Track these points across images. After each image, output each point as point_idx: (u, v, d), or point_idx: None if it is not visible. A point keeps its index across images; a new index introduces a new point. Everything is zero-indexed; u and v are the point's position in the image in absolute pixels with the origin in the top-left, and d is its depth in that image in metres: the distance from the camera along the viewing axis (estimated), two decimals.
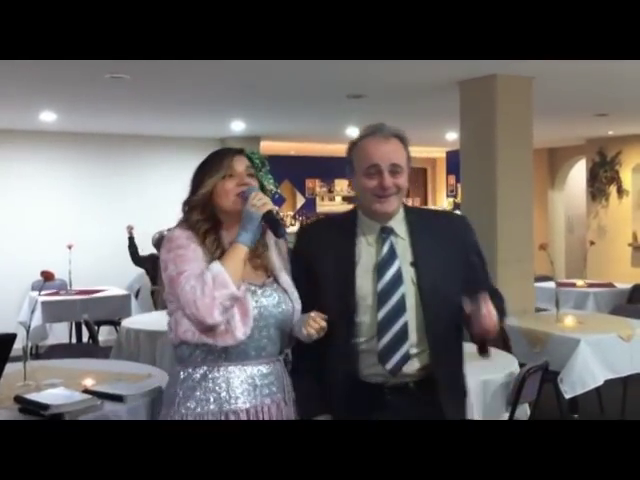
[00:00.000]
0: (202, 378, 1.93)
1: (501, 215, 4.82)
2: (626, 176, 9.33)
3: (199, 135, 8.21)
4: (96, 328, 6.13)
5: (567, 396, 3.97)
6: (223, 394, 1.92)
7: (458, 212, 8.14)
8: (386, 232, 2.00)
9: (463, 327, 2.08)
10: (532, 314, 4.95)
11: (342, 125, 7.23)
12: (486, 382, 3.07)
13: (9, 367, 2.08)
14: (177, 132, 8.06)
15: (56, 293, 6.49)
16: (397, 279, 1.95)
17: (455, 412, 2.00)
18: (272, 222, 1.92)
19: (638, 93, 5.76)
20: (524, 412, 3.29)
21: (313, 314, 1.91)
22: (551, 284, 5.48)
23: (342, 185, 11.67)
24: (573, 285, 6.45)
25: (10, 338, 1.93)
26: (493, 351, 3.67)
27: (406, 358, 1.94)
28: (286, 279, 2.02)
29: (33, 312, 5.37)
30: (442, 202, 12.22)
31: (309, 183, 11.51)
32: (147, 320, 4.75)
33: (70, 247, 6.72)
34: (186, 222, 1.98)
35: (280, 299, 1.98)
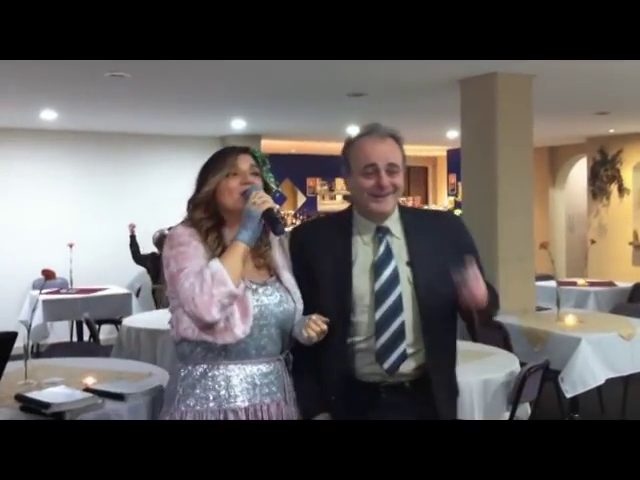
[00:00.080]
0: (202, 376, 1.94)
1: (502, 214, 4.82)
2: (627, 175, 9.33)
3: (200, 133, 8.22)
4: (97, 327, 6.14)
5: (568, 395, 3.97)
6: (222, 392, 1.92)
7: (459, 211, 8.15)
8: (382, 232, 2.01)
9: (456, 328, 2.11)
10: (533, 313, 4.95)
11: (343, 123, 7.22)
12: (487, 381, 3.07)
13: (10, 366, 2.08)
14: (177, 130, 8.06)
15: (57, 292, 6.49)
16: (394, 279, 1.95)
17: (448, 411, 2.02)
18: (271, 220, 1.92)
19: (639, 91, 5.76)
20: (525, 411, 3.29)
21: (314, 317, 1.91)
22: (552, 283, 5.47)
23: (343, 184, 11.67)
24: (574, 284, 6.45)
25: (11, 337, 1.93)
26: (494, 350, 3.69)
27: (403, 357, 1.95)
28: (289, 278, 2.02)
29: (34, 311, 5.39)
30: (443, 201, 12.22)
31: (310, 182, 11.51)
32: (148, 319, 4.75)
33: (71, 246, 6.72)
34: (189, 220, 1.99)
35: (282, 298, 1.98)
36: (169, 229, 2.07)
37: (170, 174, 8.09)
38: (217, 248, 1.93)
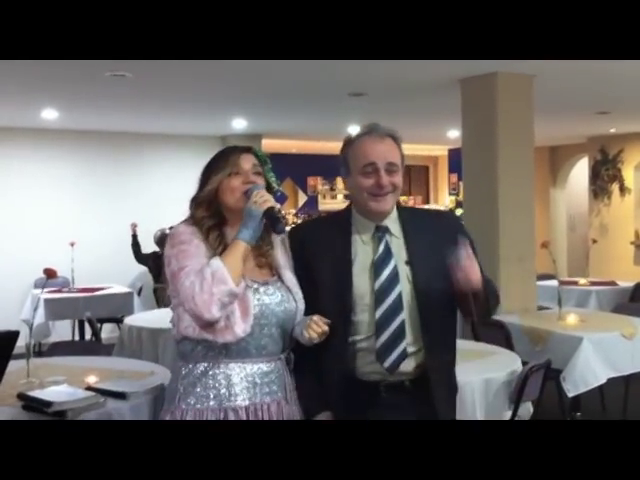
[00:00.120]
0: (202, 374, 1.94)
1: (503, 213, 4.82)
2: (628, 174, 9.33)
3: (200, 133, 8.22)
4: (99, 326, 6.16)
5: (569, 394, 3.96)
6: (223, 391, 1.92)
7: (460, 210, 8.14)
8: (381, 231, 2.01)
9: (456, 327, 2.11)
10: (534, 312, 4.95)
11: (344, 123, 7.22)
12: (488, 380, 3.08)
13: (12, 365, 2.09)
14: (178, 130, 8.07)
15: (59, 291, 6.50)
16: (394, 277, 1.96)
17: (447, 410, 2.02)
18: (272, 219, 1.92)
19: None
20: (527, 410, 3.29)
21: (315, 318, 1.91)
22: (553, 282, 5.47)
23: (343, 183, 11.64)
24: (575, 283, 6.45)
25: (13, 335, 1.94)
26: (495, 349, 3.70)
27: (403, 356, 1.95)
28: (290, 278, 2.02)
29: (36, 310, 5.36)
30: (444, 200, 12.22)
31: (311, 181, 11.50)
32: (149, 318, 4.76)
33: (72, 245, 6.74)
34: (191, 218, 1.99)
35: (283, 298, 1.98)
36: (170, 228, 2.08)
37: (171, 173, 8.09)
38: (218, 247, 1.93)
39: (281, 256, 2.05)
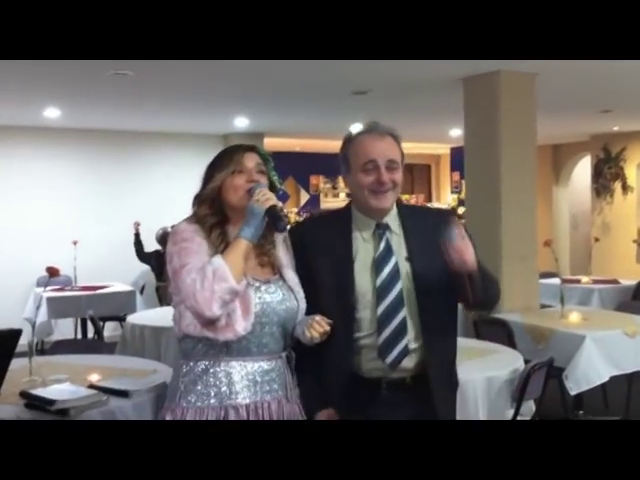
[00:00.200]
0: (203, 372, 1.94)
1: (505, 211, 4.81)
2: (631, 172, 9.31)
3: (203, 131, 8.23)
4: (101, 324, 6.16)
5: (572, 393, 3.97)
6: (223, 389, 1.93)
7: (462, 208, 8.14)
8: (382, 228, 2.02)
9: (457, 324, 2.12)
10: (536, 310, 4.94)
11: (346, 121, 7.19)
12: (491, 379, 3.07)
13: (15, 363, 2.10)
14: (181, 128, 8.07)
15: (61, 289, 6.51)
16: (395, 274, 1.97)
17: (447, 408, 2.03)
18: (274, 217, 1.92)
19: None
20: (529, 409, 3.29)
21: (317, 317, 1.91)
22: (556, 281, 5.47)
23: None
24: (578, 282, 6.44)
25: (15, 334, 1.94)
26: (498, 347, 3.69)
27: (405, 352, 1.96)
28: (292, 277, 2.02)
29: (38, 308, 5.40)
30: (446, 198, 12.21)
31: (313, 180, 11.50)
32: (152, 316, 4.76)
33: (75, 243, 6.75)
34: (194, 216, 2.00)
35: (284, 296, 1.98)
36: (172, 227, 2.08)
37: (173, 172, 8.10)
38: (220, 245, 1.93)
39: (283, 255, 2.05)
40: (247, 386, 1.94)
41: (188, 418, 1.92)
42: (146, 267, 7.57)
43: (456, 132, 8.25)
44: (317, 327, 1.89)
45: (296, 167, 10.61)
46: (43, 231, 7.56)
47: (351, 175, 2.02)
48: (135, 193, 8.08)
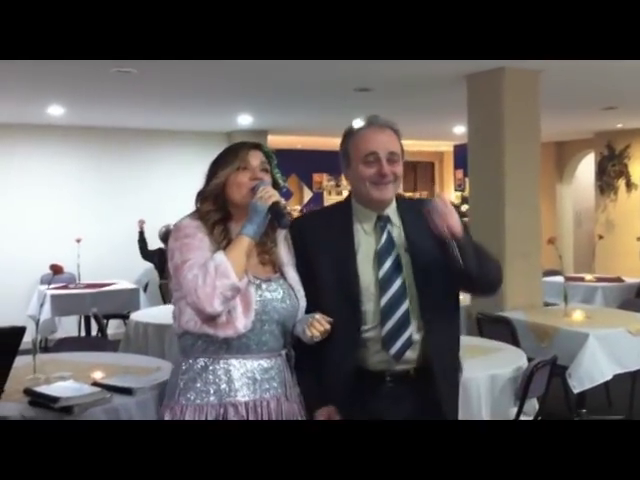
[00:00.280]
0: (203, 370, 1.94)
1: (509, 209, 4.80)
2: (635, 170, 9.29)
3: (206, 129, 8.22)
4: (105, 321, 6.17)
5: (575, 391, 3.96)
6: (223, 386, 1.93)
7: (466, 206, 8.13)
8: (383, 220, 2.02)
9: (459, 314, 2.14)
10: (540, 308, 4.94)
11: (350, 119, 7.11)
12: (494, 376, 3.07)
13: (19, 360, 2.10)
14: (184, 126, 8.07)
15: (65, 287, 6.52)
16: (397, 266, 1.98)
17: (450, 397, 2.03)
18: (277, 213, 1.92)
19: None
20: (532, 407, 3.29)
21: (318, 316, 1.91)
22: (559, 278, 5.46)
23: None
24: (581, 279, 6.44)
25: (19, 331, 1.95)
26: (501, 345, 3.69)
27: (409, 343, 1.96)
28: (293, 275, 2.03)
29: (42, 306, 5.41)
30: (450, 196, 12.20)
31: (316, 177, 11.50)
32: (155, 313, 4.77)
33: (79, 241, 6.75)
34: (197, 212, 2.00)
35: (285, 295, 1.98)
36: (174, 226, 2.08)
37: (177, 169, 8.10)
38: (222, 241, 1.93)
39: (284, 254, 2.05)
40: (246, 384, 1.94)
41: (187, 416, 1.91)
42: (150, 265, 7.57)
43: (460, 129, 8.24)
44: (317, 326, 1.89)
45: (299, 165, 10.60)
46: (46, 229, 7.57)
47: (352, 168, 2.03)
48: (138, 191, 8.09)
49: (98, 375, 2.89)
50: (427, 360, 1.99)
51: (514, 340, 4.05)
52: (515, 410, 3.10)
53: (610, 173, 9.49)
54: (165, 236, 6.84)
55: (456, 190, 11.78)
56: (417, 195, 11.90)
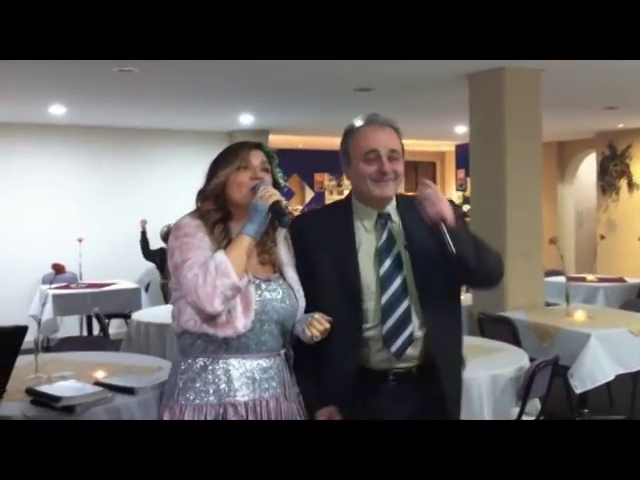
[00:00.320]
0: (202, 369, 1.94)
1: (510, 209, 4.80)
2: (636, 170, 9.28)
3: (207, 128, 8.22)
4: (106, 321, 6.18)
5: (577, 391, 3.96)
6: (222, 386, 1.92)
7: (467, 206, 8.12)
8: (384, 218, 2.02)
9: (461, 309, 2.15)
10: (541, 308, 4.93)
11: (351, 118, 7.17)
12: (496, 377, 3.07)
13: (20, 360, 2.10)
14: (185, 125, 8.07)
15: (67, 286, 6.53)
16: (398, 264, 1.98)
17: (453, 395, 2.03)
18: (278, 212, 1.92)
19: None
20: (534, 407, 3.29)
21: (317, 315, 1.91)
22: (561, 278, 5.46)
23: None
24: (583, 279, 6.43)
25: (21, 330, 1.95)
26: (503, 346, 3.69)
27: (410, 341, 1.96)
28: (293, 275, 2.03)
29: (44, 305, 5.41)
30: (451, 196, 12.19)
31: (318, 177, 11.49)
32: (157, 313, 4.77)
33: (80, 241, 6.76)
34: (197, 211, 2.00)
35: (284, 295, 1.98)
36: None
37: (178, 169, 8.11)
38: (223, 241, 1.93)
39: (284, 254, 2.05)
40: (246, 384, 1.93)
41: (187, 415, 1.91)
42: (151, 265, 7.58)
43: (461, 129, 8.23)
44: (317, 325, 1.89)
45: (301, 164, 10.60)
46: (47, 228, 7.58)
47: (352, 166, 2.03)
48: (139, 190, 8.09)
49: (100, 374, 2.89)
50: (430, 357, 1.99)
51: (515, 340, 4.05)
52: (517, 410, 3.10)
53: (612, 173, 9.48)
54: (166, 236, 6.81)
55: (457, 190, 11.77)
56: None
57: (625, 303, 5.57)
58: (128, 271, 7.53)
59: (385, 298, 1.95)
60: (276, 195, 1.93)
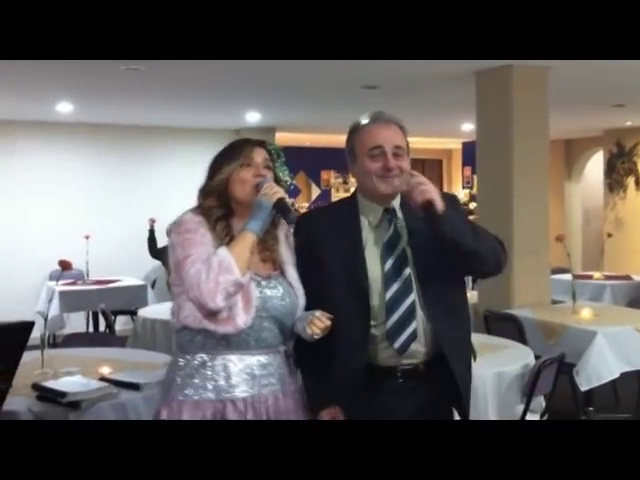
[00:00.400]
0: (201, 365, 1.93)
1: (517, 206, 4.79)
2: None
3: (214, 126, 8.22)
4: (113, 318, 6.20)
5: (583, 389, 3.95)
6: (221, 382, 1.92)
7: (474, 204, 8.11)
8: (390, 213, 2.03)
9: (466, 300, 2.13)
10: (548, 306, 4.92)
11: (357, 116, 7.17)
12: (501, 374, 3.07)
13: (27, 355, 2.10)
14: (192, 123, 8.08)
15: (73, 283, 6.55)
16: (404, 259, 1.98)
17: (465, 386, 2.02)
18: (283, 209, 1.93)
19: None
20: (539, 404, 3.28)
21: (318, 313, 1.90)
22: (567, 276, 5.44)
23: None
24: (590, 277, 6.41)
25: (28, 326, 1.95)
26: (508, 343, 3.68)
27: (413, 337, 1.95)
28: (293, 273, 2.03)
29: (51, 302, 5.43)
30: (458, 194, 12.17)
31: (324, 174, 11.50)
32: (163, 310, 4.76)
33: (87, 238, 6.78)
34: (199, 207, 2.00)
35: (285, 292, 1.98)
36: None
37: (184, 166, 8.11)
38: (225, 237, 1.93)
39: (285, 252, 2.05)
40: (245, 380, 1.93)
41: (185, 411, 1.90)
42: (158, 262, 7.59)
43: (468, 126, 8.21)
44: (318, 323, 1.88)
45: (307, 162, 10.60)
46: (54, 225, 7.60)
47: (357, 163, 2.03)
48: (146, 188, 8.11)
49: (106, 370, 2.90)
50: (437, 353, 1.98)
51: (521, 338, 4.05)
52: (522, 407, 3.09)
53: (619, 171, 9.44)
54: None
55: (464, 188, 11.75)
56: None
57: (632, 301, 5.56)
58: (135, 268, 7.54)
59: (390, 293, 1.95)
60: (280, 192, 1.94)
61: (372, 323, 1.97)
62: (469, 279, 5.29)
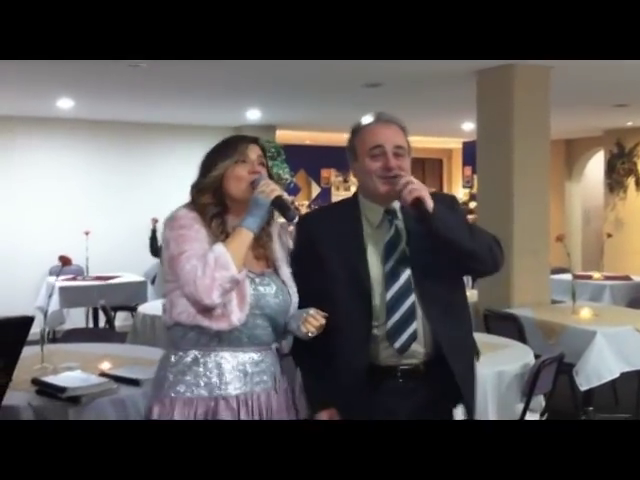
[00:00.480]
0: (193, 362, 1.92)
1: (517, 206, 4.79)
2: None
3: (215, 124, 8.22)
4: (112, 313, 6.20)
5: (582, 388, 3.96)
6: (214, 379, 1.91)
7: (474, 203, 8.11)
8: (390, 214, 2.03)
9: (466, 299, 2.13)
10: (548, 306, 4.93)
11: (358, 115, 7.09)
12: (501, 373, 3.07)
13: (27, 350, 2.10)
14: (192, 120, 8.07)
15: (73, 279, 6.56)
16: (404, 259, 1.98)
17: (466, 384, 2.01)
18: (282, 207, 1.92)
19: None
20: (538, 404, 3.29)
21: (312, 311, 1.90)
22: (567, 276, 5.44)
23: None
24: (589, 277, 6.42)
25: (28, 320, 1.96)
26: (508, 342, 3.69)
27: (414, 337, 1.95)
28: (286, 271, 2.03)
29: (51, 297, 5.43)
30: (458, 193, 12.16)
31: (324, 173, 11.48)
32: None
33: (87, 234, 6.78)
34: (193, 204, 1.98)
35: (278, 290, 1.98)
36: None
37: (184, 164, 8.06)
38: (220, 234, 1.93)
39: (278, 249, 2.05)
40: (238, 377, 1.93)
41: (177, 408, 1.89)
42: (157, 259, 7.59)
43: (468, 126, 8.20)
44: (312, 321, 1.88)
45: (307, 160, 10.59)
46: (54, 221, 7.60)
47: (358, 162, 2.03)
48: (146, 184, 8.10)
49: (105, 366, 2.91)
50: (438, 353, 1.98)
51: (521, 337, 4.05)
52: (521, 407, 3.10)
53: (619, 171, 9.44)
54: None
55: (464, 187, 11.74)
56: None
57: (631, 301, 5.56)
58: (134, 264, 7.54)
59: (391, 293, 1.95)
60: (278, 190, 1.93)
61: (374, 323, 1.97)
62: (469, 278, 5.30)
